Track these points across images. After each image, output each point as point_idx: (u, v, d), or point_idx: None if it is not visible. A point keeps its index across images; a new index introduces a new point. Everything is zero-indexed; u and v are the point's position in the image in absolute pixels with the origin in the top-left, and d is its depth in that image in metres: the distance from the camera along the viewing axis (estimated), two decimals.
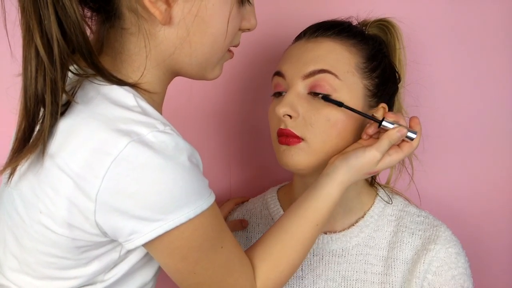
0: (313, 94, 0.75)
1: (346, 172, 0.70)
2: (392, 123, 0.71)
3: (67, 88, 0.56)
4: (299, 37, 0.83)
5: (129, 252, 0.61)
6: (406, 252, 0.80)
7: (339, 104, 0.73)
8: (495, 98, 1.00)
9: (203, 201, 0.57)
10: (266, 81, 0.88)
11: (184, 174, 0.55)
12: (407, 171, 0.89)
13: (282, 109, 0.74)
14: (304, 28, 0.83)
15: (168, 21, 0.57)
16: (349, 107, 0.73)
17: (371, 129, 0.74)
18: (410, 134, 0.72)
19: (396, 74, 0.84)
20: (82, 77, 0.56)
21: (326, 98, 0.74)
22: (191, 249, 0.58)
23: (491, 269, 1.05)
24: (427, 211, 0.86)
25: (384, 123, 0.71)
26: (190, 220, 0.55)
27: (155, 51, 0.59)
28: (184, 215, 0.55)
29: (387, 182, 0.90)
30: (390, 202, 0.85)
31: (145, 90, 0.60)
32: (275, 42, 0.97)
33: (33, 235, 0.58)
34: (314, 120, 0.74)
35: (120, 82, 0.57)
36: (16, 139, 0.56)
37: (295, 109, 0.75)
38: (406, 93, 0.89)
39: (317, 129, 0.74)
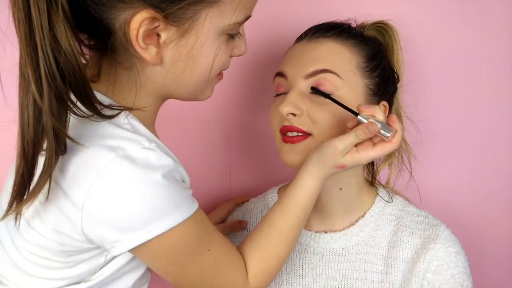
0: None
1: (315, 163, 0.70)
2: (367, 118, 0.68)
3: None
4: (300, 38, 0.84)
5: (114, 257, 0.63)
6: (406, 251, 0.80)
7: (326, 96, 0.73)
8: (493, 97, 1.00)
9: (183, 211, 0.59)
10: (266, 81, 0.89)
11: (164, 188, 0.57)
12: (407, 168, 0.89)
13: (285, 108, 0.74)
14: (304, 30, 0.84)
15: (158, 62, 0.59)
16: (335, 99, 0.73)
17: (350, 123, 0.72)
18: (383, 132, 0.68)
19: (395, 74, 0.84)
20: (81, 117, 0.56)
21: (314, 89, 0.74)
22: (177, 255, 0.61)
23: (491, 268, 1.06)
24: (427, 210, 0.86)
25: (358, 117, 0.69)
26: (172, 229, 0.58)
27: (146, 85, 0.62)
28: (164, 225, 0.58)
29: (387, 182, 0.90)
30: (391, 201, 0.85)
31: (137, 108, 0.62)
32: (274, 44, 0.97)
33: (25, 237, 0.61)
34: (319, 116, 0.75)
35: (113, 116, 0.58)
36: (15, 184, 0.56)
37: (298, 107, 0.75)
38: (405, 92, 0.90)
39: (323, 125, 0.75)
